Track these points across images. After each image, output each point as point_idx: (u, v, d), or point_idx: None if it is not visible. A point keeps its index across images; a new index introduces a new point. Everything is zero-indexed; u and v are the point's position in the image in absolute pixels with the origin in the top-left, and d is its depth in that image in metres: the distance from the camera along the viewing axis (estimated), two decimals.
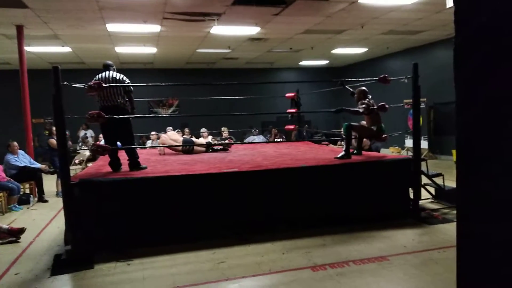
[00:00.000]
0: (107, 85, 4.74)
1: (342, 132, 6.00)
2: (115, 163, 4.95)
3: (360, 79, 6.49)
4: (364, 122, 5.71)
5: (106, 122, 4.65)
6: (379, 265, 3.73)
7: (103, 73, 4.94)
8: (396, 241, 4.39)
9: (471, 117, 1.34)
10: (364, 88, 5.79)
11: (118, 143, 5.14)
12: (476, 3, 1.29)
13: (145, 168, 4.98)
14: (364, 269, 3.66)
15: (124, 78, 4.95)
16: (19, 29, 8.03)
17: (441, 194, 6.02)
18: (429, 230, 4.74)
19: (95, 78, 4.89)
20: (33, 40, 9.16)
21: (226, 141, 9.20)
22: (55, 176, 7.83)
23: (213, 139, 9.98)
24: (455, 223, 4.54)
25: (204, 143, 7.42)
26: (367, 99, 5.60)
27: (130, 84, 4.97)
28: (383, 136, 5.73)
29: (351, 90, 6.18)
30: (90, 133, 12.49)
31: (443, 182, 6.04)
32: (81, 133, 12.30)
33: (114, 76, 4.91)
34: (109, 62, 5.13)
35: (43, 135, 11.52)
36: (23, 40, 8.22)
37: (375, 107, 5.54)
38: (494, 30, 1.23)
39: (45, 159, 8.41)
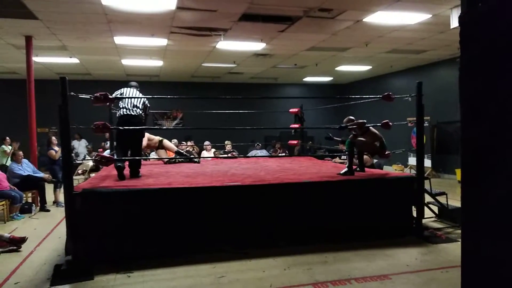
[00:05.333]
0: (128, 96, 5.25)
1: (345, 149, 6.02)
2: (126, 173, 5.19)
3: (364, 96, 6.53)
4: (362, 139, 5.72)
5: (122, 131, 5.05)
6: (381, 284, 3.68)
7: (126, 89, 5.41)
8: (399, 259, 4.35)
9: (476, 133, 1.34)
10: (349, 117, 5.87)
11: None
12: (482, 23, 1.31)
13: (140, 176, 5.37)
14: (366, 287, 3.62)
15: (145, 100, 5.45)
16: (28, 39, 8.16)
17: (444, 213, 5.98)
18: (432, 249, 4.70)
19: (116, 92, 5.32)
20: (41, 50, 9.29)
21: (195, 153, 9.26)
22: (52, 186, 7.86)
23: (216, 153, 10.00)
24: (458, 242, 4.51)
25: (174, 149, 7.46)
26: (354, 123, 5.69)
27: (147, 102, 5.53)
28: (386, 153, 5.74)
29: (340, 139, 6.25)
30: (84, 142, 12.52)
31: (447, 201, 6.01)
32: (76, 143, 12.32)
33: (136, 94, 5.43)
34: (134, 82, 5.70)
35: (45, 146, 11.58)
36: (31, 51, 8.34)
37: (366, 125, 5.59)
38: (499, 49, 1.24)
39: (47, 168, 8.44)
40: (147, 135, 7.03)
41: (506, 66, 1.22)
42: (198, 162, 7.39)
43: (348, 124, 5.71)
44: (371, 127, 5.63)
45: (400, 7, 6.60)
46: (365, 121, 5.64)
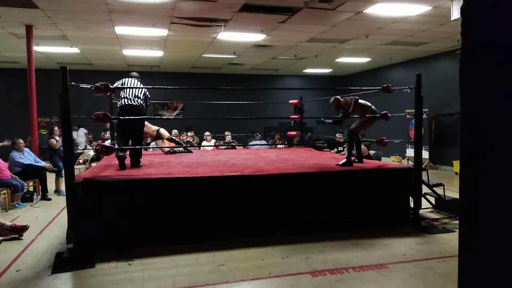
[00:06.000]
0: (128, 86, 5.26)
1: (344, 139, 6.06)
2: (127, 162, 5.24)
3: (363, 87, 6.54)
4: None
5: (123, 121, 5.08)
6: (378, 273, 3.75)
7: (128, 79, 5.43)
8: (396, 249, 4.41)
9: (476, 127, 1.34)
10: (335, 96, 5.85)
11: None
12: (484, 14, 1.30)
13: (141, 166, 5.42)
14: (364, 276, 3.68)
15: (145, 90, 5.49)
16: (29, 29, 8.14)
17: (441, 203, 6.04)
18: (428, 239, 4.76)
19: (117, 82, 5.33)
20: (42, 40, 9.27)
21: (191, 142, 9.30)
22: (53, 175, 7.92)
23: (216, 143, 10.04)
24: (455, 233, 4.56)
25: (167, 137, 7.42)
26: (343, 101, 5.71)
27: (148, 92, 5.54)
28: (385, 141, 5.80)
29: (331, 120, 6.23)
30: (82, 132, 12.56)
31: (444, 192, 6.07)
32: (74, 134, 12.35)
33: (137, 84, 5.47)
34: (135, 73, 5.70)
35: (39, 134, 11.63)
36: (32, 40, 8.33)
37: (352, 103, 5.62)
38: (501, 41, 1.24)
39: (46, 158, 8.49)
40: (146, 123, 7.05)
41: (508, 59, 1.22)
42: (191, 152, 7.47)
43: (335, 106, 5.74)
44: (359, 100, 5.66)
45: None
46: (357, 98, 5.65)
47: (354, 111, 5.60)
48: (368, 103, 5.68)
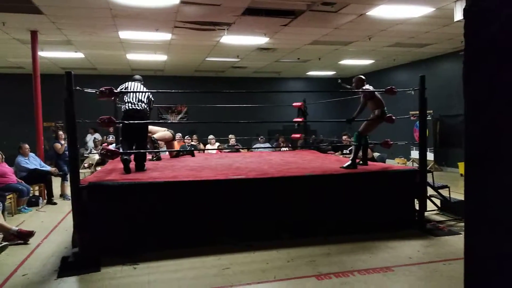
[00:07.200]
0: (132, 91, 5.30)
1: (353, 141, 6.07)
2: (131, 166, 5.25)
3: (367, 89, 6.53)
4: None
5: (128, 125, 5.12)
6: (384, 276, 3.73)
7: (131, 83, 5.46)
8: (401, 252, 4.39)
9: (480, 128, 1.33)
10: (361, 76, 5.89)
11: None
12: (486, 15, 1.30)
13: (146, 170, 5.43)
14: (369, 279, 3.67)
15: (149, 94, 5.51)
16: (33, 34, 8.19)
17: (446, 206, 6.01)
18: (434, 242, 4.74)
19: (121, 86, 5.37)
20: (47, 45, 9.33)
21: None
22: (59, 179, 7.97)
23: (220, 146, 10.07)
24: (461, 235, 4.55)
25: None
26: (366, 86, 5.74)
27: (151, 96, 5.57)
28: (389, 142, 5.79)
29: (349, 86, 6.34)
30: (97, 136, 12.62)
31: (449, 194, 6.04)
32: (88, 137, 12.43)
33: (140, 88, 5.49)
34: (138, 76, 5.74)
35: (52, 139, 11.69)
36: (37, 45, 8.39)
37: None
38: (504, 42, 1.24)
39: (53, 162, 8.54)
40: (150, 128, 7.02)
41: (510, 59, 1.21)
42: (193, 155, 7.52)
43: (355, 84, 5.86)
44: (377, 94, 5.68)
45: (403, 0, 6.59)
46: (370, 91, 5.69)
47: (370, 98, 5.63)
48: (383, 101, 5.68)
